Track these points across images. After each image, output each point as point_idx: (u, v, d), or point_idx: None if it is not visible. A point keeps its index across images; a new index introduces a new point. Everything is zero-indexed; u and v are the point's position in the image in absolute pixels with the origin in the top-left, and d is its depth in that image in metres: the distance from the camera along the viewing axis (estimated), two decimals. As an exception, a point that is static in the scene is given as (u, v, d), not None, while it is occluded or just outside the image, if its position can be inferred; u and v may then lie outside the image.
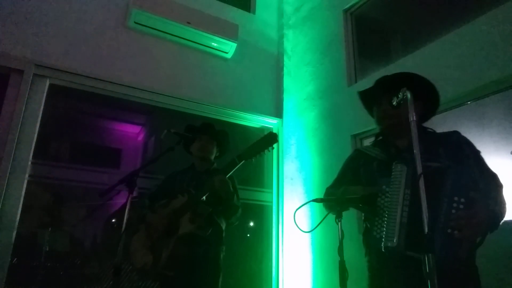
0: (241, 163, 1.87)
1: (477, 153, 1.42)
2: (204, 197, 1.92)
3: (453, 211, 1.18)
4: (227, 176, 1.91)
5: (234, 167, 1.87)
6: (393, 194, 1.30)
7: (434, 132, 1.55)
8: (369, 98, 1.67)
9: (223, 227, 2.15)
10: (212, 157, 2.28)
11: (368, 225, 1.50)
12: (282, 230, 3.36)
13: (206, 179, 1.96)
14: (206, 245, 2.00)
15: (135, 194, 1.76)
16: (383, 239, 1.27)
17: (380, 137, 1.66)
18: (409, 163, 1.31)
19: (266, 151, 1.84)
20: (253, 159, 1.85)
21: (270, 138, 1.84)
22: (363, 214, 1.58)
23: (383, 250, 1.27)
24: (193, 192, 1.96)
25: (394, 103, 1.31)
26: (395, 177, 1.32)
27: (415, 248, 1.20)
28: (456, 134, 1.48)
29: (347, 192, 1.50)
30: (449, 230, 1.17)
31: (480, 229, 1.20)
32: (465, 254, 1.18)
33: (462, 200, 1.19)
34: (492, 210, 1.25)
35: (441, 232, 1.17)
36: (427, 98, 1.54)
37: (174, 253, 1.86)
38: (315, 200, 1.58)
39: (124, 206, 1.68)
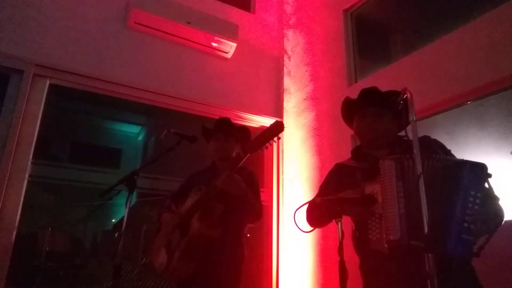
0: (247, 156, 1.76)
1: (448, 153, 1.49)
2: (217, 195, 1.82)
3: (470, 205, 1.20)
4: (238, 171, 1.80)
5: (239, 162, 1.77)
6: (386, 189, 1.32)
7: (409, 139, 1.58)
8: (353, 108, 1.70)
9: (243, 228, 2.04)
10: (234, 154, 2.10)
11: (358, 234, 1.51)
12: (282, 230, 3.37)
13: (215, 176, 1.88)
14: (221, 246, 1.87)
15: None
16: (384, 235, 1.28)
17: (356, 151, 1.71)
18: (395, 158, 1.34)
19: (272, 141, 1.69)
20: (258, 151, 1.72)
21: (276, 127, 1.69)
22: (353, 224, 1.58)
23: (385, 245, 1.28)
24: (204, 189, 1.88)
25: (399, 107, 1.35)
26: (384, 172, 1.34)
27: (418, 238, 1.21)
28: (427, 138, 1.54)
29: (345, 194, 1.50)
30: (465, 224, 1.18)
31: (494, 225, 1.23)
32: (476, 249, 1.19)
33: (479, 195, 1.20)
34: (501, 208, 1.30)
35: (457, 225, 1.18)
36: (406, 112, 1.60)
37: (185, 253, 1.81)
38: (315, 200, 1.58)
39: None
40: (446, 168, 1.27)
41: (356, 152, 1.71)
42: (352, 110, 1.71)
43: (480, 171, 1.24)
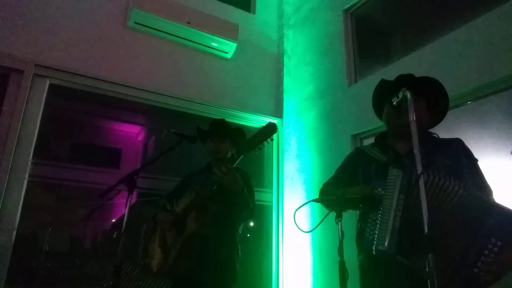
0: (240, 158, 1.78)
1: (474, 163, 1.43)
2: (210, 194, 1.84)
3: (486, 252, 1.15)
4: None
5: (233, 163, 1.79)
6: (387, 198, 1.29)
7: (437, 138, 1.55)
8: (387, 92, 1.58)
9: (238, 227, 2.06)
10: (228, 156, 2.10)
11: (362, 225, 1.50)
12: (282, 230, 3.37)
13: (210, 174, 1.89)
14: (216, 245, 1.91)
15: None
16: (375, 242, 1.26)
17: (380, 139, 1.65)
18: (405, 168, 1.30)
19: (265, 143, 1.71)
20: (252, 152, 1.74)
21: (269, 129, 1.71)
22: (358, 213, 1.58)
23: (374, 252, 1.26)
24: (198, 189, 1.89)
25: (394, 103, 1.33)
26: (390, 181, 1.31)
27: (405, 254, 1.20)
28: (457, 142, 1.49)
29: (346, 193, 1.49)
30: (475, 270, 1.15)
31: (504, 275, 1.18)
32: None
33: (499, 243, 1.15)
34: None
35: (467, 268, 1.16)
36: (443, 107, 1.57)
37: (180, 253, 1.82)
38: (315, 200, 1.58)
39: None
40: (474, 203, 1.20)
41: (379, 140, 1.64)
42: (384, 94, 1.60)
43: (508, 220, 1.18)
